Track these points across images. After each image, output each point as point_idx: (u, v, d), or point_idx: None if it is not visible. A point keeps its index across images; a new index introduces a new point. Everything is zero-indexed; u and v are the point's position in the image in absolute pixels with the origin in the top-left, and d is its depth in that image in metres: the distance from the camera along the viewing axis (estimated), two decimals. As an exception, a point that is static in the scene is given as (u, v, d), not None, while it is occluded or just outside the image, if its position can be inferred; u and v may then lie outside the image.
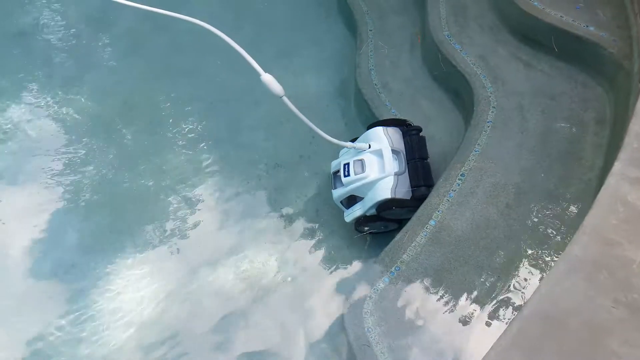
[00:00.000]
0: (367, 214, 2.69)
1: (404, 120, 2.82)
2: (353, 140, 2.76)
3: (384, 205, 2.57)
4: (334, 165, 2.88)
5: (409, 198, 2.60)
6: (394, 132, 2.73)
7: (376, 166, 2.62)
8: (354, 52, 3.57)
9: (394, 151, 2.63)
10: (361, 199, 2.70)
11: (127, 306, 2.76)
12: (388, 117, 2.95)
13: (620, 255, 1.61)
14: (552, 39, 2.80)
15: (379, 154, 2.63)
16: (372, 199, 2.61)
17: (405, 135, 2.75)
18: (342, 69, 3.68)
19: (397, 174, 2.60)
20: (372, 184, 2.61)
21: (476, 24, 3.14)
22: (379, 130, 2.70)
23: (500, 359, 1.45)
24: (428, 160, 2.73)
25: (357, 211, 2.72)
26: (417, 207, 2.55)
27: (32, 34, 3.95)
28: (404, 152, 2.70)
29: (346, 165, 2.67)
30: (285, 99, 2.32)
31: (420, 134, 2.79)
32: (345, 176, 2.65)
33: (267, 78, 2.29)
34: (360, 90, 3.29)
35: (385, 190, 2.56)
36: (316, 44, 3.88)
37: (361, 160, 2.64)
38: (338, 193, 2.77)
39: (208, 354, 2.59)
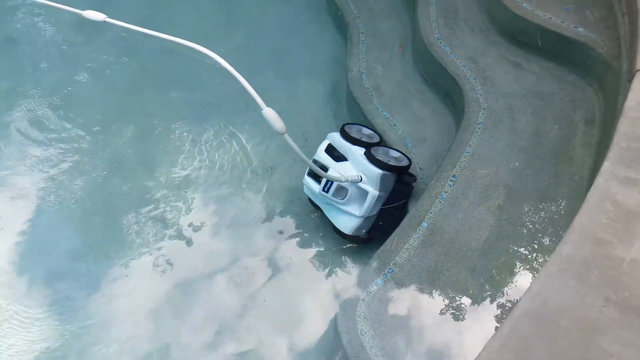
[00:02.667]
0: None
1: (407, 168, 2.73)
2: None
3: (338, 232, 2.79)
4: (321, 154, 2.82)
5: (360, 236, 2.77)
6: (390, 177, 2.67)
7: (356, 204, 2.67)
8: (345, 55, 3.58)
9: (377, 197, 2.65)
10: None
11: (118, 314, 2.74)
12: (402, 151, 2.84)
13: (611, 254, 1.61)
14: (537, 36, 2.82)
15: (364, 193, 2.63)
16: (334, 218, 2.78)
17: (397, 182, 2.72)
18: (333, 72, 3.69)
19: (366, 217, 2.67)
20: (342, 211, 2.71)
21: (466, 26, 3.16)
22: (376, 171, 2.60)
23: (492, 359, 1.45)
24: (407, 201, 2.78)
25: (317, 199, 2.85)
26: (360, 242, 2.82)
27: (21, 40, 3.94)
28: (385, 197, 2.71)
29: (329, 183, 2.68)
30: (286, 136, 2.25)
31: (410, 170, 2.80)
32: (323, 190, 2.69)
33: (268, 113, 2.21)
34: (352, 93, 3.30)
35: (347, 225, 2.72)
36: (308, 47, 3.89)
37: (346, 190, 2.66)
38: (309, 186, 2.80)
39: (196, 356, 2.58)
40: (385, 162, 2.62)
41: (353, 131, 2.83)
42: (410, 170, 2.78)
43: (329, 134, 2.86)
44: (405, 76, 3.30)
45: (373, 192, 2.61)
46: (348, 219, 2.70)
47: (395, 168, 2.65)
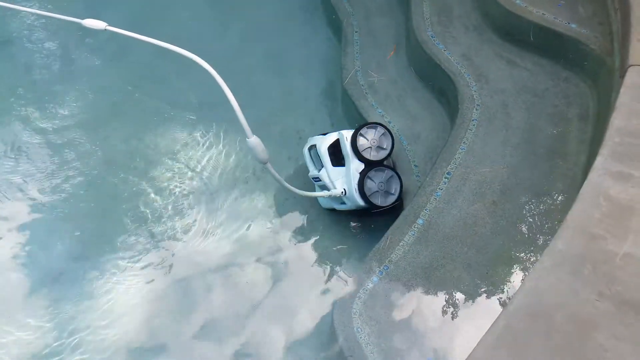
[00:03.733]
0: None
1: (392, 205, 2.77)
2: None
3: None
4: (322, 149, 2.87)
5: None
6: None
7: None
8: (340, 53, 3.58)
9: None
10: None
11: (116, 314, 2.73)
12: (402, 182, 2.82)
13: (604, 249, 1.62)
14: (530, 33, 2.82)
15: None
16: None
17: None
18: (328, 70, 3.69)
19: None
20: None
21: (460, 23, 3.17)
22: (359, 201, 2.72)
23: (487, 355, 1.46)
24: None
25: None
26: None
27: (17, 41, 3.93)
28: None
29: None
30: (269, 165, 2.35)
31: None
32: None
33: (254, 142, 2.26)
34: (347, 91, 3.30)
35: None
36: (302, 45, 3.89)
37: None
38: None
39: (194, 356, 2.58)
40: (368, 196, 2.68)
41: (367, 135, 2.77)
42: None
43: (341, 131, 2.81)
44: (400, 74, 3.31)
45: (351, 206, 2.77)
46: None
47: (377, 207, 2.72)
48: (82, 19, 2.43)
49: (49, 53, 3.90)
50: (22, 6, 3.09)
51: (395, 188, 2.74)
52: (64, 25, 3.97)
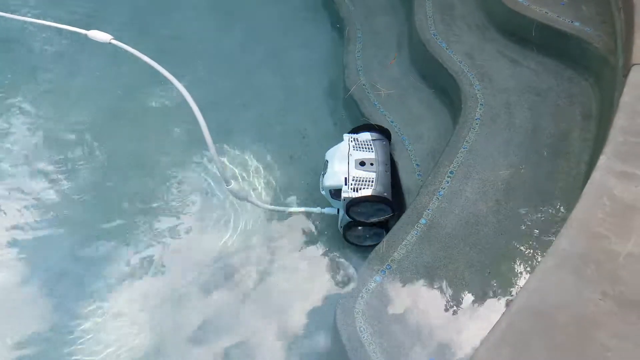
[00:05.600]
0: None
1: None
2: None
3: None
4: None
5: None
6: None
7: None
8: (342, 52, 3.57)
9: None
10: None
11: (114, 313, 2.74)
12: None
13: (607, 249, 1.62)
14: (533, 31, 2.82)
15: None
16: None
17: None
18: (330, 70, 3.69)
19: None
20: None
21: (463, 22, 3.16)
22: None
23: (490, 354, 1.46)
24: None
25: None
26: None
27: (18, 40, 3.93)
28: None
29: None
30: (251, 199, 2.64)
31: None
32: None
33: (233, 188, 2.52)
34: (349, 91, 3.29)
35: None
36: (305, 45, 3.89)
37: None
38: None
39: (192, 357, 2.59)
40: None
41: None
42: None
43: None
44: (402, 73, 3.30)
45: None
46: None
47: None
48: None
49: (50, 53, 3.90)
50: (28, 6, 3.09)
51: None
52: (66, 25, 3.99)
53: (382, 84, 3.26)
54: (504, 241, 2.34)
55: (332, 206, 2.83)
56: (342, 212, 2.70)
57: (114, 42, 2.36)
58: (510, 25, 2.97)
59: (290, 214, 2.94)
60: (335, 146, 2.82)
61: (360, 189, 2.59)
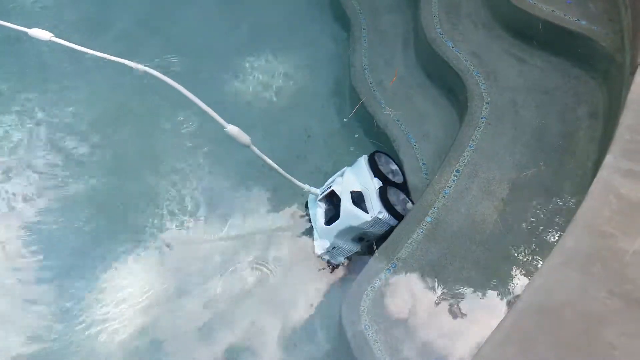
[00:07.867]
0: None
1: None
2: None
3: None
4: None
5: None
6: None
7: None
8: (348, 50, 3.57)
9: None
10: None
11: (115, 311, 2.76)
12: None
13: (614, 247, 1.61)
14: (539, 29, 2.80)
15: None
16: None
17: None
18: (336, 68, 3.69)
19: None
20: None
21: (469, 20, 3.15)
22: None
23: (496, 352, 1.46)
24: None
25: None
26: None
27: (26, 39, 3.94)
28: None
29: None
30: (253, 147, 2.40)
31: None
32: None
33: (232, 130, 2.33)
34: (355, 89, 3.30)
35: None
36: (310, 43, 3.89)
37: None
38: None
39: (195, 354, 2.61)
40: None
41: (382, 162, 2.83)
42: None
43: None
44: (408, 72, 3.30)
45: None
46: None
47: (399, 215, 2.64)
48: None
49: (58, 51, 3.91)
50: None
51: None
52: (75, 23, 4.01)
53: (389, 82, 3.26)
54: (510, 240, 2.34)
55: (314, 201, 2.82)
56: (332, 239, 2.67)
57: (54, 39, 2.34)
58: (516, 24, 2.96)
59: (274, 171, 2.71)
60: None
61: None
